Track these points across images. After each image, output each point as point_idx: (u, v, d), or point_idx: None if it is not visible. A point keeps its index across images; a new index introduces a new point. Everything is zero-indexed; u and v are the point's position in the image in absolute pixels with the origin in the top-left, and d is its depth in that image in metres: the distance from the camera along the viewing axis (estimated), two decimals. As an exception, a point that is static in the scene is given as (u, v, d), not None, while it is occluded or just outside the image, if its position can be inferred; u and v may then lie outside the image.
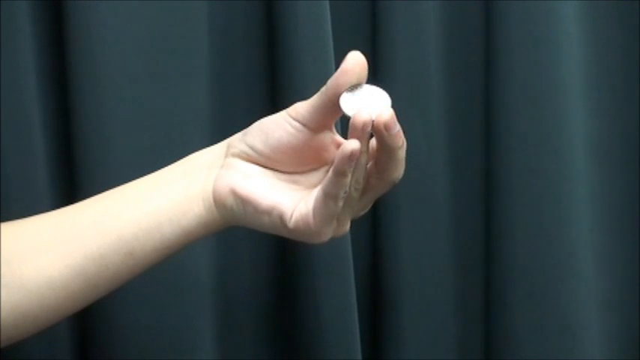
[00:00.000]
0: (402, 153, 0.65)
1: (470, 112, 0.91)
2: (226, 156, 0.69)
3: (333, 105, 0.65)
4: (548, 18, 0.88)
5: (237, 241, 0.85)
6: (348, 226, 0.68)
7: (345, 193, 0.64)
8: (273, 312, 0.88)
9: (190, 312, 0.84)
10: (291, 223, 0.66)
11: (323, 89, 0.66)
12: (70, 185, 0.80)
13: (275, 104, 0.83)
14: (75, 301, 0.68)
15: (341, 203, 0.65)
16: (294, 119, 0.67)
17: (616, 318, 0.95)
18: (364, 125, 0.62)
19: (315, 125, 0.66)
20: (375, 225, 0.90)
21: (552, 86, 0.89)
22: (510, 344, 0.90)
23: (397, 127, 0.64)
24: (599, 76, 0.93)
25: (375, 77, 0.86)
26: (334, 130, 0.68)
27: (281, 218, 0.66)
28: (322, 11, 0.82)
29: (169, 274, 0.82)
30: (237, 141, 0.69)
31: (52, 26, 0.80)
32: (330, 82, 0.65)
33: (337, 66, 0.82)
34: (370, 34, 0.88)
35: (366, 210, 0.69)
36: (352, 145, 0.62)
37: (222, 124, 0.83)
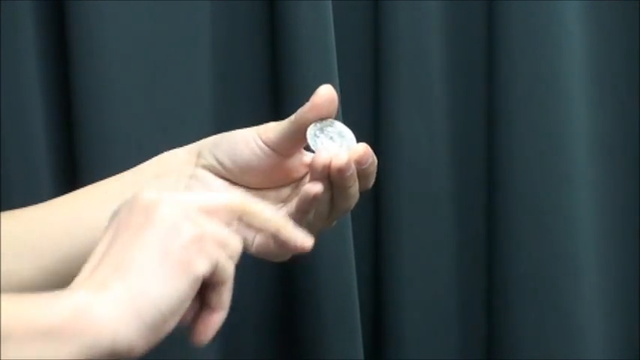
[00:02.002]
0: (353, 190, 0.65)
1: (472, 111, 0.91)
2: (196, 165, 0.68)
3: (301, 135, 0.65)
4: (551, 18, 0.88)
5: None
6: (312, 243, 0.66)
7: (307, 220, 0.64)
8: (276, 313, 0.88)
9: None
10: (253, 248, 0.65)
11: (292, 118, 0.66)
12: (72, 185, 0.79)
13: (277, 104, 0.83)
14: None
15: (304, 225, 0.65)
16: (264, 142, 0.66)
17: (618, 319, 0.95)
18: (323, 168, 0.63)
19: (284, 150, 0.67)
20: (376, 225, 0.90)
21: (554, 86, 0.89)
22: (512, 345, 0.90)
23: (351, 170, 0.63)
24: (601, 76, 0.93)
25: (377, 77, 0.87)
26: (303, 151, 0.68)
27: (244, 243, 0.63)
28: (324, 11, 0.82)
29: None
30: (207, 151, 0.68)
31: (54, 25, 0.80)
32: (299, 114, 0.65)
33: (339, 66, 0.83)
34: (372, 33, 0.88)
35: (332, 225, 0.69)
36: (315, 188, 0.63)
37: (225, 124, 0.83)
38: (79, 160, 0.79)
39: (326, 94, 0.65)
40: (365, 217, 0.88)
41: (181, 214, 0.56)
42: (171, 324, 0.56)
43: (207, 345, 0.83)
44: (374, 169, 0.66)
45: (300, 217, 0.65)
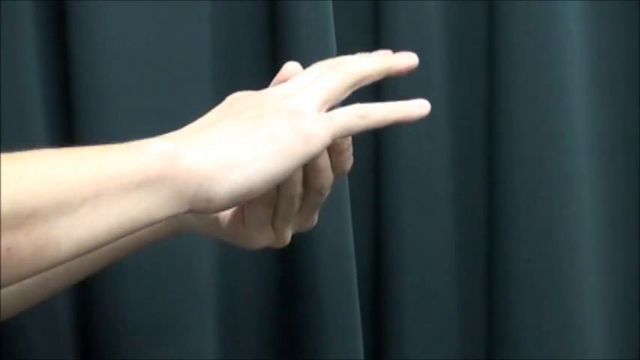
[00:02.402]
0: (322, 163, 0.64)
1: (472, 111, 0.91)
2: None
3: None
4: (551, 18, 0.88)
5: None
6: (288, 238, 0.66)
7: (272, 199, 0.63)
8: (276, 311, 0.88)
9: (193, 311, 0.83)
10: (224, 224, 0.65)
11: None
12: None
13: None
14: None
15: (269, 210, 0.64)
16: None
17: (618, 319, 0.95)
18: None
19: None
20: (377, 224, 0.90)
21: (555, 86, 0.89)
22: (512, 345, 0.90)
23: None
24: (601, 76, 0.93)
25: None
26: None
27: (216, 218, 0.66)
28: (325, 11, 0.82)
29: (172, 273, 0.82)
30: None
31: (54, 25, 0.80)
32: None
33: None
34: (373, 34, 0.88)
35: (313, 224, 0.67)
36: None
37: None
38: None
39: (293, 69, 0.65)
40: (365, 216, 0.88)
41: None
42: (261, 192, 0.57)
43: (208, 344, 0.84)
44: (347, 146, 0.65)
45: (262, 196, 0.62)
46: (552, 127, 0.89)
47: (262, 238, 0.65)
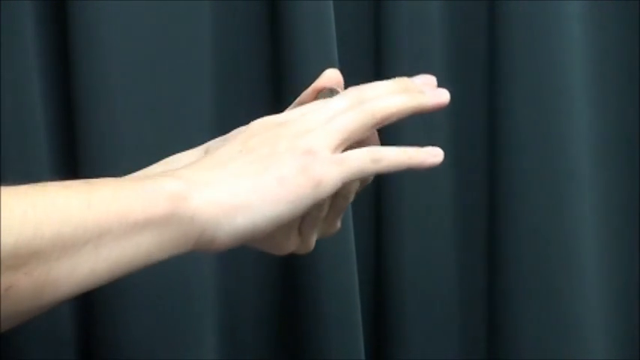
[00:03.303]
0: None
1: (473, 111, 0.91)
2: None
3: None
4: (553, 18, 0.88)
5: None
6: (313, 244, 0.67)
7: None
8: (277, 312, 0.88)
9: (194, 312, 0.83)
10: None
11: (296, 102, 0.67)
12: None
13: (278, 104, 0.83)
14: None
15: (299, 217, 0.63)
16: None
17: (620, 318, 0.95)
18: None
19: None
20: (378, 226, 0.89)
21: (556, 86, 0.89)
22: (513, 345, 0.90)
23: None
24: (602, 77, 0.93)
25: (378, 77, 0.86)
26: None
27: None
28: (326, 11, 0.82)
29: (173, 274, 0.81)
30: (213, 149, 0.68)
31: (54, 25, 0.79)
32: (302, 98, 0.67)
33: (340, 66, 0.82)
34: (373, 33, 0.88)
35: (336, 229, 0.68)
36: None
37: (225, 124, 0.82)
38: (79, 161, 0.79)
39: (332, 75, 0.66)
40: (366, 217, 0.88)
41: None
42: (266, 233, 0.58)
43: (209, 344, 0.84)
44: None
45: None
46: (553, 127, 0.89)
47: (289, 244, 0.66)
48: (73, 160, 0.80)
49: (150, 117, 0.81)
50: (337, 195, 0.63)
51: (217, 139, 0.69)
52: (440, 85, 0.88)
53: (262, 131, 0.61)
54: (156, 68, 0.81)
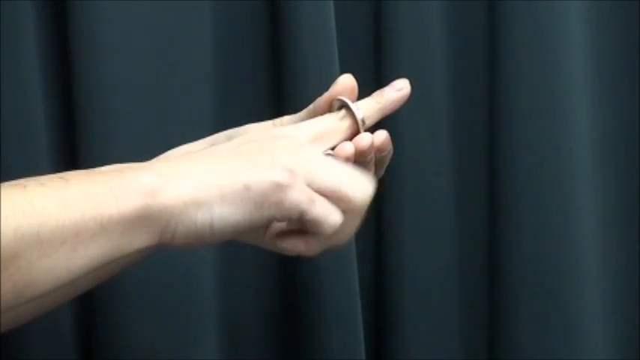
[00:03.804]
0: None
1: (474, 112, 0.90)
2: None
3: None
4: (553, 18, 0.88)
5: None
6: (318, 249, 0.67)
7: None
8: (277, 311, 0.87)
9: (194, 312, 0.83)
10: (267, 233, 0.65)
11: (310, 107, 0.67)
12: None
13: (278, 103, 0.83)
14: None
15: None
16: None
17: (620, 319, 0.94)
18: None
19: None
20: (379, 226, 0.89)
21: (557, 87, 0.88)
22: (514, 346, 0.89)
23: (371, 155, 0.65)
24: (603, 77, 0.92)
25: (378, 77, 0.87)
26: None
27: (267, 229, 0.65)
28: (326, 11, 0.82)
29: (172, 273, 0.81)
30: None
31: (55, 25, 0.79)
32: (317, 103, 0.67)
33: (340, 66, 0.82)
34: (374, 34, 0.88)
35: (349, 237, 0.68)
36: (366, 139, 0.64)
37: (226, 123, 0.82)
38: (80, 161, 0.79)
39: (346, 82, 0.66)
40: (367, 220, 0.88)
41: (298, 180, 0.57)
42: (225, 238, 0.58)
43: (209, 344, 0.83)
44: (389, 158, 0.67)
45: None
46: (554, 127, 0.89)
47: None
48: (73, 160, 0.80)
49: (150, 116, 0.81)
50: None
51: (226, 133, 0.69)
52: (442, 85, 0.89)
53: (258, 139, 0.61)
54: (156, 68, 0.81)
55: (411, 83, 0.85)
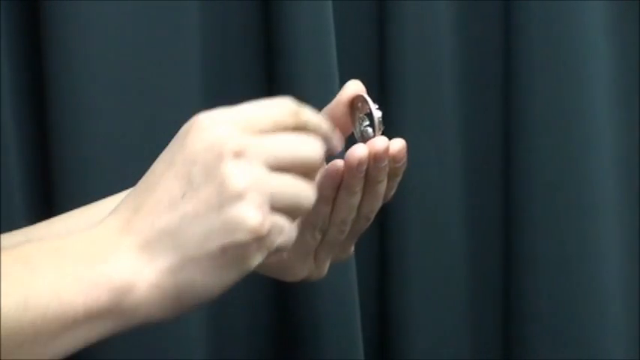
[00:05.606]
0: (381, 188, 0.63)
1: (486, 130, 0.89)
2: None
3: None
4: (574, 32, 0.87)
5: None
6: (325, 269, 0.66)
7: (324, 224, 0.63)
8: (277, 311, 0.85)
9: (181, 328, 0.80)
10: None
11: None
12: (47, 195, 0.78)
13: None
14: None
15: (319, 236, 0.63)
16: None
17: (636, 323, 0.91)
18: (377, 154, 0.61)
19: None
20: (381, 236, 0.87)
21: (576, 100, 0.87)
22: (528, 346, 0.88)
23: (385, 162, 0.62)
24: (626, 93, 0.90)
25: (382, 89, 0.86)
26: None
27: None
28: (324, 12, 0.81)
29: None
30: None
31: (28, 26, 0.77)
32: (328, 111, 0.65)
33: (340, 66, 0.80)
34: (377, 39, 0.86)
35: (350, 254, 0.67)
36: (360, 150, 0.61)
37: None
38: (52, 162, 0.77)
39: (356, 89, 0.64)
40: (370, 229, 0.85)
41: (253, 190, 0.54)
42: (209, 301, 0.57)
43: (203, 342, 0.81)
44: (402, 171, 0.64)
45: (315, 214, 0.61)
46: (575, 149, 0.87)
47: (303, 269, 0.65)
48: (44, 160, 0.78)
49: (135, 122, 0.79)
50: (359, 216, 0.63)
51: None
52: (450, 100, 0.87)
53: (202, 156, 0.56)
54: (141, 73, 0.80)
55: (416, 93, 0.85)
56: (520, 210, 0.87)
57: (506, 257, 0.89)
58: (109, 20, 0.77)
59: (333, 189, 0.60)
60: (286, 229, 0.55)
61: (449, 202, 0.88)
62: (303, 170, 0.56)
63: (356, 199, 0.61)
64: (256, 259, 0.54)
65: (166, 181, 0.55)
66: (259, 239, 0.54)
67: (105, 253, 0.54)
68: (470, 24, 0.87)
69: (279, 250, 0.56)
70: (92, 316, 0.52)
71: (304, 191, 0.56)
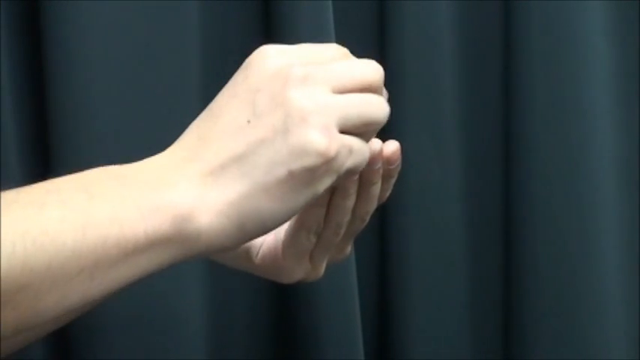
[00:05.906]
0: (375, 190, 0.62)
1: (487, 131, 0.89)
2: None
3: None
4: (574, 32, 0.86)
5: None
6: (322, 270, 0.65)
7: (319, 227, 0.62)
8: (276, 312, 0.85)
9: (186, 305, 0.81)
10: (257, 258, 0.64)
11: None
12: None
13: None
14: None
15: (314, 239, 0.62)
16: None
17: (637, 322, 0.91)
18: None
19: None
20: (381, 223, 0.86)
21: (577, 100, 0.87)
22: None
23: (379, 164, 0.61)
24: (626, 93, 0.90)
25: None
26: None
27: (247, 252, 0.64)
28: (324, 13, 0.80)
29: (156, 293, 0.79)
30: None
31: (27, 24, 0.77)
32: None
33: None
34: (377, 39, 0.86)
35: (346, 254, 0.66)
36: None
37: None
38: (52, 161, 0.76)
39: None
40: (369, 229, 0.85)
41: (321, 124, 0.53)
42: (273, 230, 0.56)
43: (201, 342, 0.80)
44: (397, 173, 0.63)
45: (310, 217, 0.61)
46: (575, 146, 0.87)
47: (299, 271, 0.64)
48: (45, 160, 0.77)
49: (135, 122, 0.78)
50: (354, 218, 0.62)
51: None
52: (451, 96, 0.87)
53: (267, 84, 0.56)
54: (140, 73, 0.78)
55: (416, 93, 0.85)
56: (520, 210, 0.87)
57: (506, 257, 0.88)
58: (109, 20, 0.76)
59: (327, 192, 0.59)
60: (356, 150, 0.55)
61: (449, 202, 0.88)
62: (368, 92, 0.56)
63: (350, 201, 0.61)
64: (325, 183, 0.54)
65: (231, 109, 0.55)
66: (327, 162, 0.53)
67: (168, 180, 0.53)
68: (470, 24, 0.87)
69: (349, 172, 0.55)
70: (154, 243, 0.52)
71: (374, 104, 0.56)
